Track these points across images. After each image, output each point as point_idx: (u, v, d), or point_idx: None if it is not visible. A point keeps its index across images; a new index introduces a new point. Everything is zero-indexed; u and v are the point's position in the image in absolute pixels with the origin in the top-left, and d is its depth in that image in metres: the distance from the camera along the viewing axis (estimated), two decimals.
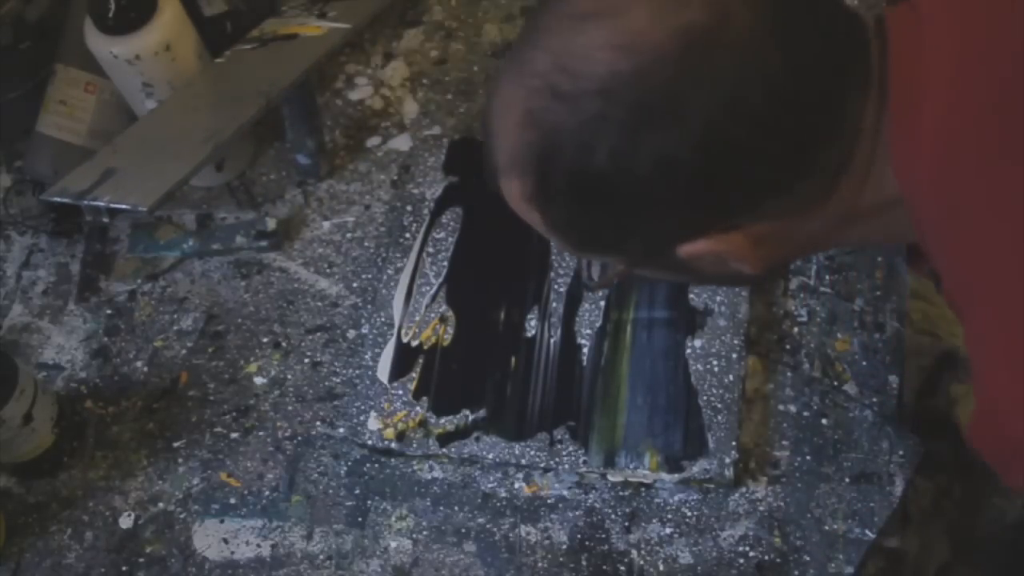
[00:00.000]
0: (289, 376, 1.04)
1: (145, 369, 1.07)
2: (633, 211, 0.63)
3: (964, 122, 0.59)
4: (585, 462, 0.93)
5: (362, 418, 0.98)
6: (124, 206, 0.99)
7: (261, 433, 1.01)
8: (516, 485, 0.95)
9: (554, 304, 1.01)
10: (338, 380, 1.03)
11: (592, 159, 0.60)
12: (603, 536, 0.92)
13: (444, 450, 0.95)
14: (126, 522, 0.98)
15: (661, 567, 0.89)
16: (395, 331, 1.02)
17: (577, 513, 0.93)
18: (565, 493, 0.94)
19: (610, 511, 0.93)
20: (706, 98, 0.58)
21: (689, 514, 0.91)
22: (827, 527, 0.89)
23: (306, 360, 1.05)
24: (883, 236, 0.72)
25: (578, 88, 0.59)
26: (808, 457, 0.92)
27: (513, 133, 0.63)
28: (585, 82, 0.59)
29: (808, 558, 0.88)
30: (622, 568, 0.90)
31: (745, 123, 0.59)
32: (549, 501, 0.94)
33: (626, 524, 0.92)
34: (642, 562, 0.90)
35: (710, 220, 0.64)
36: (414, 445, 0.96)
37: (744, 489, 0.92)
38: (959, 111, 0.59)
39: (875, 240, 0.73)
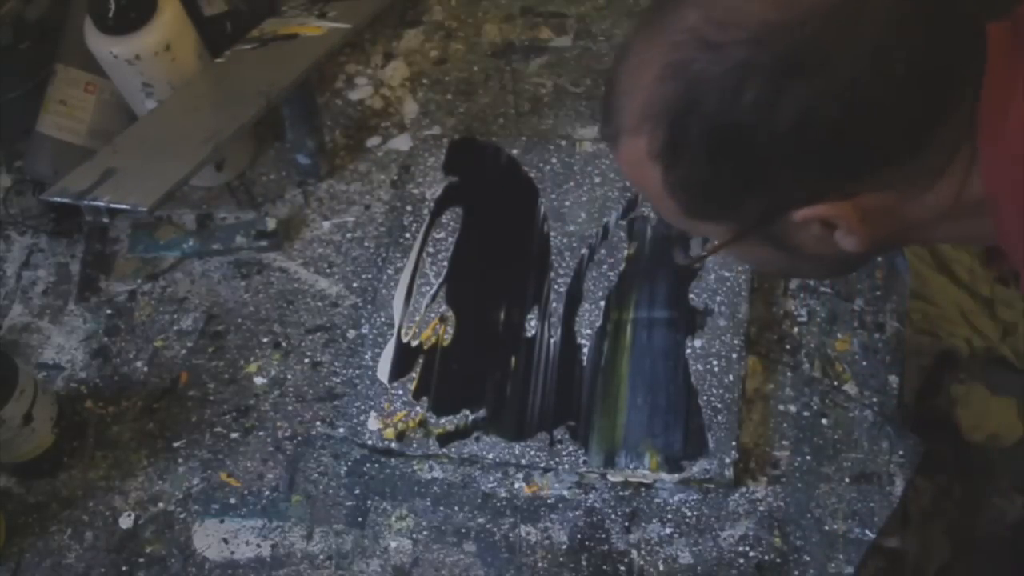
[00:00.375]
0: (289, 376, 1.04)
1: (145, 369, 1.07)
2: (764, 165, 0.64)
3: None
4: (585, 462, 0.93)
5: (362, 418, 0.98)
6: (124, 206, 0.99)
7: (261, 433, 1.01)
8: (516, 485, 0.95)
9: (554, 304, 1.01)
10: (338, 380, 1.03)
11: (734, 108, 0.62)
12: (603, 536, 0.92)
13: (444, 450, 0.95)
14: (126, 522, 0.98)
15: (661, 567, 0.89)
16: (395, 331, 1.02)
17: (577, 513, 0.93)
18: (565, 493, 0.94)
19: (610, 511, 0.93)
20: (852, 54, 0.61)
21: (689, 514, 0.91)
22: (827, 527, 0.89)
23: (306, 360, 1.05)
24: (966, 236, 0.75)
25: (727, 37, 0.62)
26: (808, 457, 0.92)
27: (649, 88, 0.65)
28: (735, 31, 0.61)
29: (808, 558, 0.88)
30: (622, 568, 0.90)
31: (884, 84, 0.61)
32: (549, 501, 0.94)
33: (626, 524, 0.92)
34: (642, 562, 0.90)
35: (834, 182, 0.65)
36: (414, 445, 0.96)
37: (744, 489, 0.92)
38: None
39: (955, 240, 0.76)
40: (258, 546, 0.95)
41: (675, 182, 0.68)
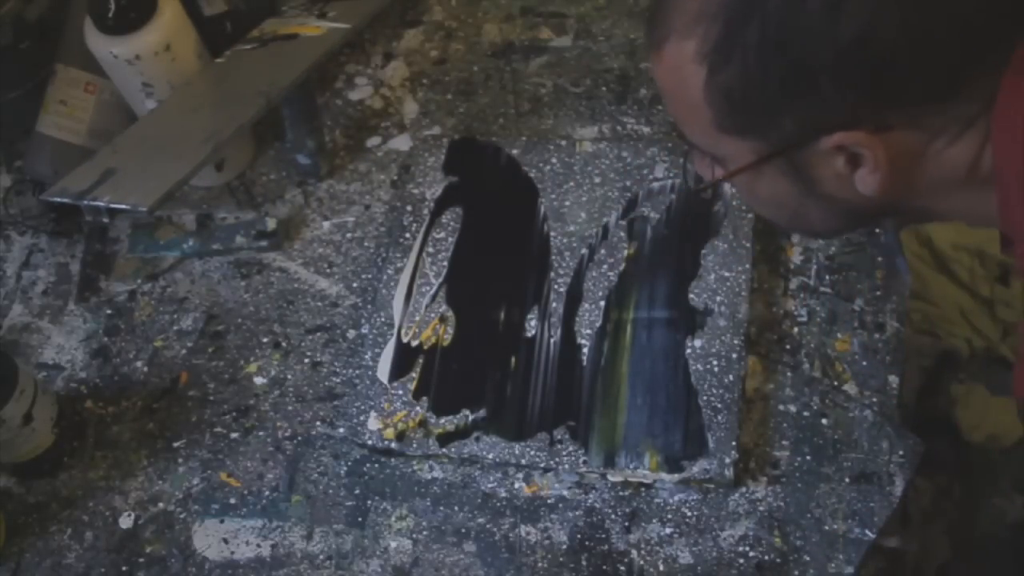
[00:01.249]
0: (289, 376, 1.04)
1: (145, 369, 1.07)
2: (814, 76, 0.64)
3: None
4: (585, 462, 0.93)
5: (362, 418, 0.98)
6: (124, 206, 0.99)
7: (261, 433, 1.01)
8: (516, 485, 0.95)
9: (554, 304, 1.01)
10: (338, 380, 1.03)
11: (799, 12, 0.62)
12: (603, 536, 0.92)
13: (444, 450, 0.95)
14: (126, 522, 0.98)
15: (661, 567, 0.89)
16: (395, 331, 1.02)
17: (577, 513, 0.93)
18: (565, 493, 0.94)
19: (610, 511, 0.93)
20: None
21: (689, 514, 0.91)
22: (827, 527, 0.89)
23: (306, 360, 1.05)
24: (972, 212, 0.75)
25: None
26: (808, 457, 0.92)
27: None
28: None
29: (808, 558, 0.88)
30: (622, 568, 0.90)
31: (944, 17, 0.62)
32: (549, 501, 0.94)
33: (626, 524, 0.92)
34: (642, 562, 0.90)
35: (876, 106, 0.65)
36: (414, 445, 0.96)
37: (744, 489, 0.92)
38: None
39: (962, 217, 0.76)
40: (258, 546, 0.95)
41: (718, 87, 0.68)
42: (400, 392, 0.99)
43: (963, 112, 0.66)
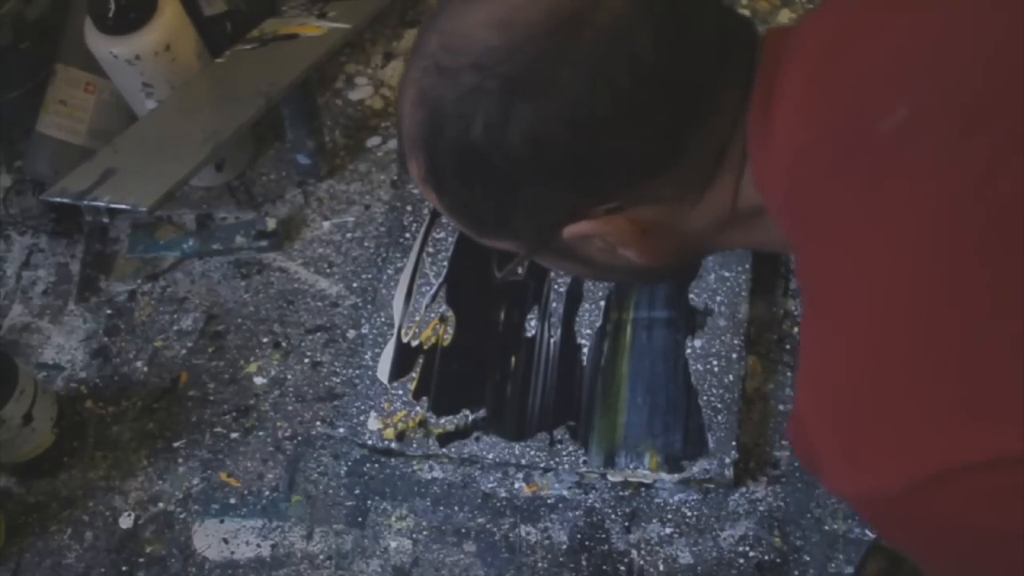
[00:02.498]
0: (289, 376, 1.04)
1: (145, 369, 1.07)
2: (511, 188, 0.65)
3: (808, 140, 0.61)
4: (585, 462, 0.93)
5: (362, 418, 0.98)
6: (124, 206, 1.00)
7: (261, 433, 1.01)
8: (516, 485, 0.95)
9: (554, 304, 1.01)
10: (338, 380, 1.03)
11: (469, 133, 0.62)
12: (603, 536, 0.92)
13: (444, 450, 0.95)
14: (126, 522, 0.98)
15: (661, 567, 0.89)
16: (395, 331, 1.02)
17: (577, 513, 0.93)
18: (565, 493, 0.94)
19: (610, 511, 0.93)
20: (572, 73, 0.60)
21: (689, 514, 0.91)
22: (827, 527, 0.89)
23: (306, 360, 1.05)
24: (764, 243, 0.74)
25: (457, 63, 0.62)
26: None
27: (409, 113, 0.66)
28: (463, 57, 0.62)
29: (808, 558, 0.88)
30: (622, 568, 0.90)
31: (611, 101, 0.61)
32: (549, 501, 0.94)
33: (626, 524, 0.92)
34: (642, 562, 0.90)
35: (588, 199, 0.65)
36: (414, 445, 0.96)
37: (744, 489, 0.92)
38: (805, 129, 0.61)
39: (759, 247, 0.76)
40: (258, 546, 0.95)
41: (447, 206, 0.69)
42: (400, 392, 0.99)
43: (695, 173, 0.65)
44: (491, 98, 0.61)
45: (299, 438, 1.01)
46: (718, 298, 0.98)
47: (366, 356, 1.02)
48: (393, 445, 0.96)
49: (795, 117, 0.61)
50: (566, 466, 0.93)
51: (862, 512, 0.62)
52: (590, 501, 0.93)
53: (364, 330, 1.04)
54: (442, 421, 0.97)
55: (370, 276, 1.09)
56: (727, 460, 0.90)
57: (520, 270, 0.74)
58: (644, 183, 0.65)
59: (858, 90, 0.59)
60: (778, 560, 0.88)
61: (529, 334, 1.00)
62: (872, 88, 0.59)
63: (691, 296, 0.98)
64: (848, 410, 0.56)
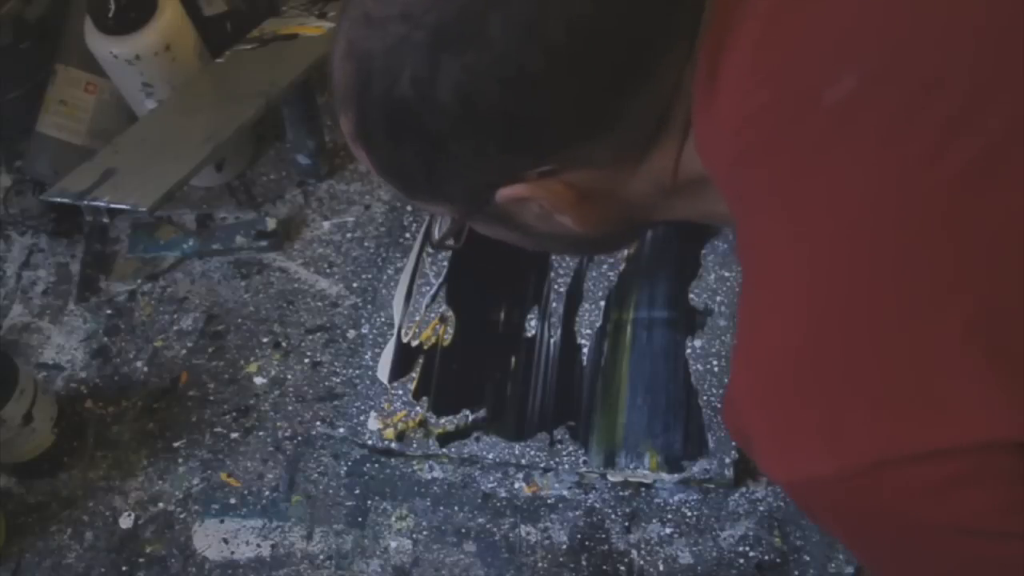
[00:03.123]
0: (289, 376, 1.04)
1: (145, 369, 1.07)
2: (441, 146, 0.62)
3: (752, 108, 0.58)
4: (585, 462, 0.93)
5: (362, 418, 0.98)
6: (124, 206, 0.99)
7: (261, 433, 1.01)
8: (516, 485, 0.95)
9: (554, 304, 1.01)
10: (338, 380, 1.03)
11: (397, 87, 0.60)
12: (603, 536, 0.92)
13: (444, 450, 0.95)
14: (126, 522, 0.98)
15: (661, 567, 0.89)
16: (395, 331, 1.02)
17: (577, 513, 0.93)
18: (565, 493, 0.94)
19: (610, 511, 0.93)
20: (504, 24, 0.57)
21: (689, 514, 0.91)
22: None
23: (306, 360, 1.05)
24: (708, 215, 0.70)
25: (385, 13, 0.59)
26: None
27: (338, 67, 0.63)
28: (391, 6, 0.59)
29: (808, 558, 0.88)
30: (622, 568, 0.90)
31: (544, 55, 0.58)
32: (549, 501, 0.94)
33: (626, 524, 0.92)
34: (642, 562, 0.90)
35: (520, 160, 0.63)
36: (414, 445, 0.96)
37: (744, 489, 0.92)
38: (750, 96, 0.58)
39: (703, 218, 0.72)
40: (258, 546, 0.95)
41: (378, 165, 0.66)
42: (400, 392, 0.99)
43: (633, 137, 0.62)
44: (419, 50, 0.58)
45: (299, 438, 1.01)
46: (718, 298, 0.98)
47: (366, 356, 1.02)
48: (393, 445, 0.96)
49: (741, 84, 0.58)
50: (566, 466, 0.93)
51: (793, 496, 0.60)
52: (590, 501, 0.93)
53: (364, 330, 1.04)
54: (442, 421, 0.97)
55: (370, 276, 1.09)
56: (727, 460, 0.90)
57: (455, 240, 0.70)
58: (580, 145, 0.62)
59: (806, 57, 0.57)
60: (778, 560, 0.88)
61: (529, 334, 1.00)
62: (821, 56, 0.56)
63: (691, 296, 0.98)
64: (782, 393, 0.55)
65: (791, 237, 0.56)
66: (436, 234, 0.78)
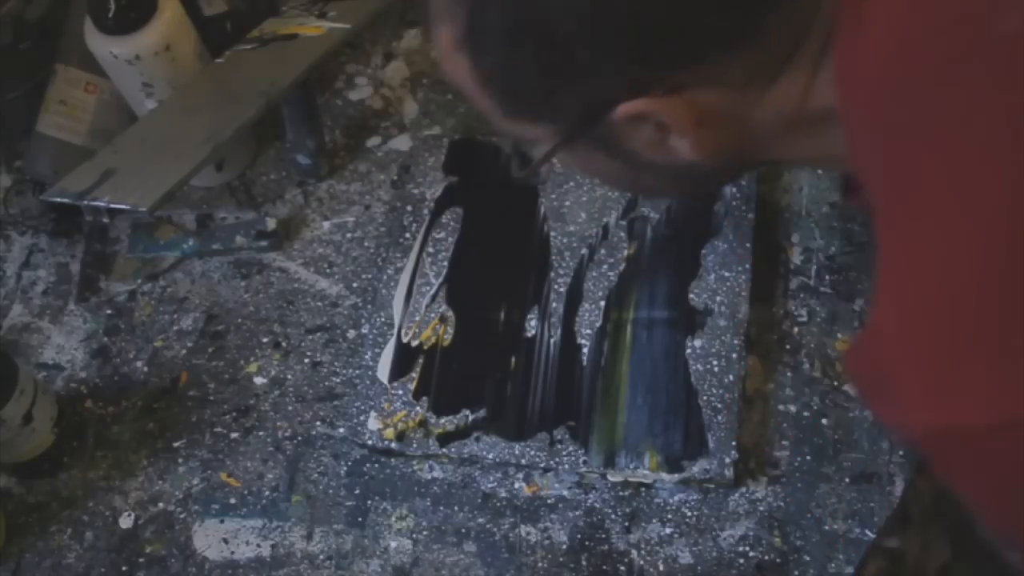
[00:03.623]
0: (289, 376, 1.04)
1: (145, 369, 1.07)
2: (568, 50, 0.58)
3: (910, 38, 0.55)
4: (585, 462, 0.93)
5: (362, 418, 0.98)
6: (124, 206, 0.99)
7: (261, 433, 1.01)
8: (516, 485, 0.95)
9: (554, 304, 1.01)
10: (338, 380, 1.03)
11: None
12: (603, 536, 0.92)
13: (444, 450, 0.95)
14: (126, 522, 0.98)
15: (661, 567, 0.89)
16: (395, 331, 1.02)
17: (577, 513, 0.93)
18: (565, 493, 0.94)
19: (610, 511, 0.93)
20: None
21: (689, 514, 0.91)
22: (827, 527, 0.89)
23: (306, 360, 1.05)
24: (822, 156, 0.68)
25: None
26: (808, 457, 0.92)
27: None
28: None
29: (808, 558, 0.88)
30: (622, 568, 0.90)
31: None
32: (549, 501, 0.94)
33: (626, 524, 0.92)
34: (642, 562, 0.90)
35: (649, 70, 0.59)
36: (414, 445, 0.96)
37: (744, 489, 0.92)
38: (907, 25, 0.55)
39: (814, 161, 0.69)
40: (258, 546, 0.95)
41: (483, 75, 0.63)
42: (400, 392, 0.99)
43: (767, 57, 0.60)
44: None
45: (299, 438, 1.01)
46: (718, 298, 0.98)
47: (366, 356, 1.02)
48: (393, 445, 0.96)
49: (895, 11, 0.55)
50: (566, 466, 0.93)
51: (930, 445, 0.54)
52: (590, 501, 0.93)
53: (364, 330, 1.04)
54: (442, 421, 0.97)
55: (370, 276, 1.08)
56: (727, 460, 0.90)
57: (543, 172, 0.66)
58: (712, 59, 0.59)
59: None
60: (778, 560, 0.88)
61: (529, 334, 1.00)
62: None
63: (691, 296, 0.98)
64: (941, 332, 0.51)
65: (962, 171, 0.52)
66: (516, 168, 0.73)
